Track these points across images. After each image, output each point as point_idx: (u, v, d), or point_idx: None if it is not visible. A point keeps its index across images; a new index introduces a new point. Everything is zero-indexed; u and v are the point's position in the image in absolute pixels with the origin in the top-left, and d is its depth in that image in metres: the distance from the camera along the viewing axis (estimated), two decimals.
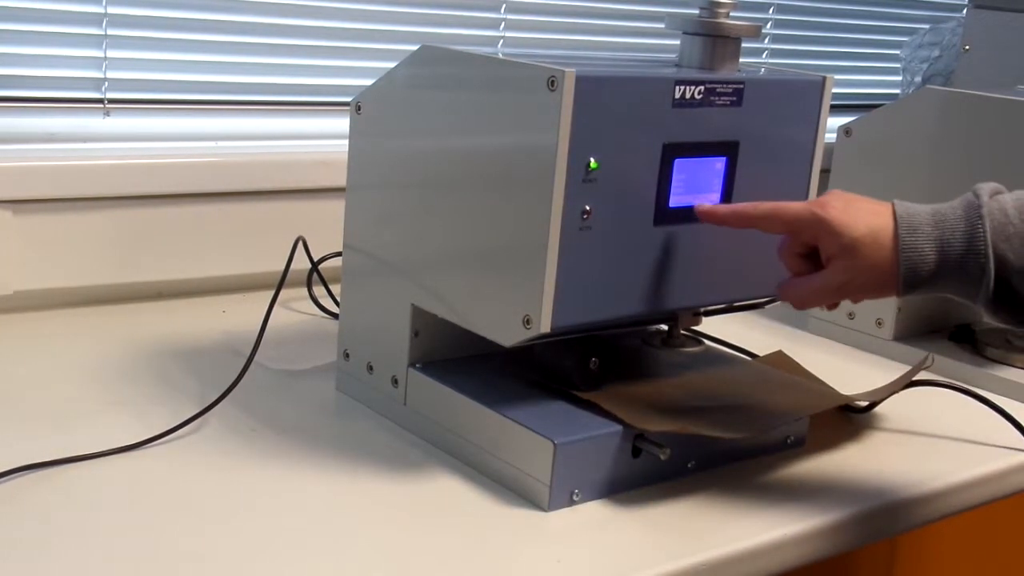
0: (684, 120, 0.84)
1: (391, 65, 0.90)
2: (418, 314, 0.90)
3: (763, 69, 0.94)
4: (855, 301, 0.84)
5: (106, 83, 1.21)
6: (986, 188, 0.80)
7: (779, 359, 1.02)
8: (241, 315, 1.17)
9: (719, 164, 0.87)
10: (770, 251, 0.86)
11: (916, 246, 0.78)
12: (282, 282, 1.06)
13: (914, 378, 1.02)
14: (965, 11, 1.69)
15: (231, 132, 1.30)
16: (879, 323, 1.21)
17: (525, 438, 0.81)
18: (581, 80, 0.76)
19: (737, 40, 0.88)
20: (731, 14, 0.87)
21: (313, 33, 1.33)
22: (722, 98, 0.85)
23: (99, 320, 1.14)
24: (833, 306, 0.87)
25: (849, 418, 1.01)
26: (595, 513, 0.81)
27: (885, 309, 1.20)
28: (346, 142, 0.94)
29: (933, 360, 1.09)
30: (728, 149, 0.87)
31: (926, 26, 1.88)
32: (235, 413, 0.92)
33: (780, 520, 0.81)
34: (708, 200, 0.87)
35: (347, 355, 0.97)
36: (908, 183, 1.18)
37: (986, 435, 0.99)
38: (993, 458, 0.96)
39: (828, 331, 1.25)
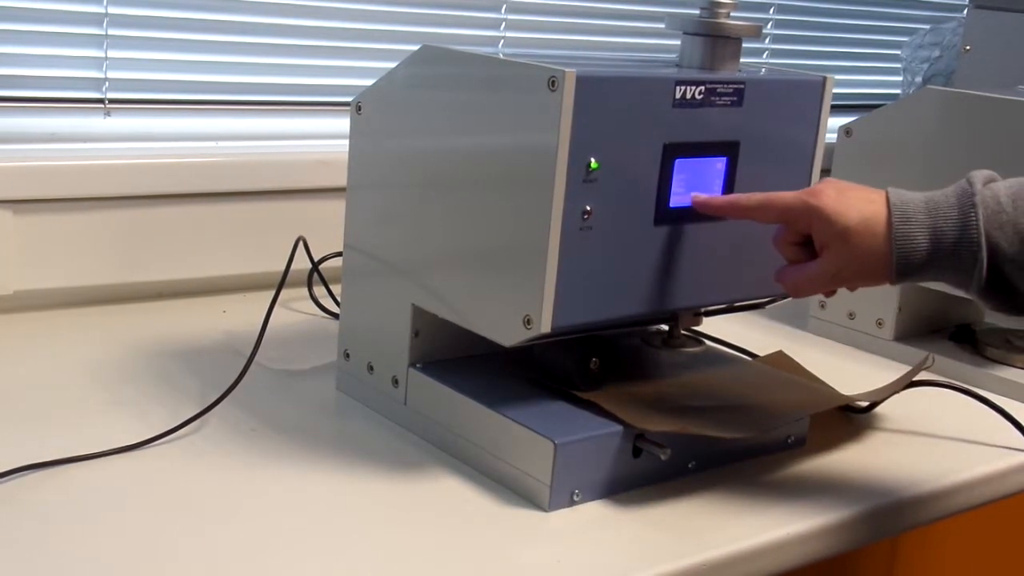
0: (685, 120, 0.84)
1: (391, 65, 0.90)
2: (418, 314, 0.90)
3: (763, 69, 0.94)
4: (851, 289, 0.84)
5: (107, 83, 1.21)
6: (979, 176, 0.80)
7: (779, 359, 1.02)
8: (241, 315, 1.17)
9: (720, 164, 0.87)
10: (770, 252, 0.86)
11: (909, 234, 0.78)
12: (283, 282, 1.06)
13: (915, 378, 1.02)
14: (966, 11, 1.69)
15: (232, 132, 1.29)
16: (880, 323, 1.21)
17: (525, 438, 0.81)
18: (582, 80, 0.76)
19: (738, 40, 0.88)
20: (731, 14, 0.87)
21: (314, 33, 1.33)
22: (722, 98, 0.85)
23: (100, 320, 1.14)
24: (830, 293, 0.87)
25: (850, 418, 1.01)
26: (595, 513, 0.81)
27: (886, 309, 1.20)
28: (346, 142, 0.94)
29: (933, 360, 1.09)
30: (729, 149, 0.87)
31: (927, 26, 1.88)
32: (235, 413, 0.92)
33: (781, 520, 0.81)
34: None
35: (347, 355, 0.97)
36: (908, 183, 1.17)
37: (986, 435, 0.99)
38: (993, 458, 0.96)
39: (828, 331, 1.25)
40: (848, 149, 1.22)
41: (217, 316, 1.17)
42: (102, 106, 1.21)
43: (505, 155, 0.80)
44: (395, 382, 0.92)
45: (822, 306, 1.26)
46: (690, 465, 0.87)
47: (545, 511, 0.80)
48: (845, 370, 1.14)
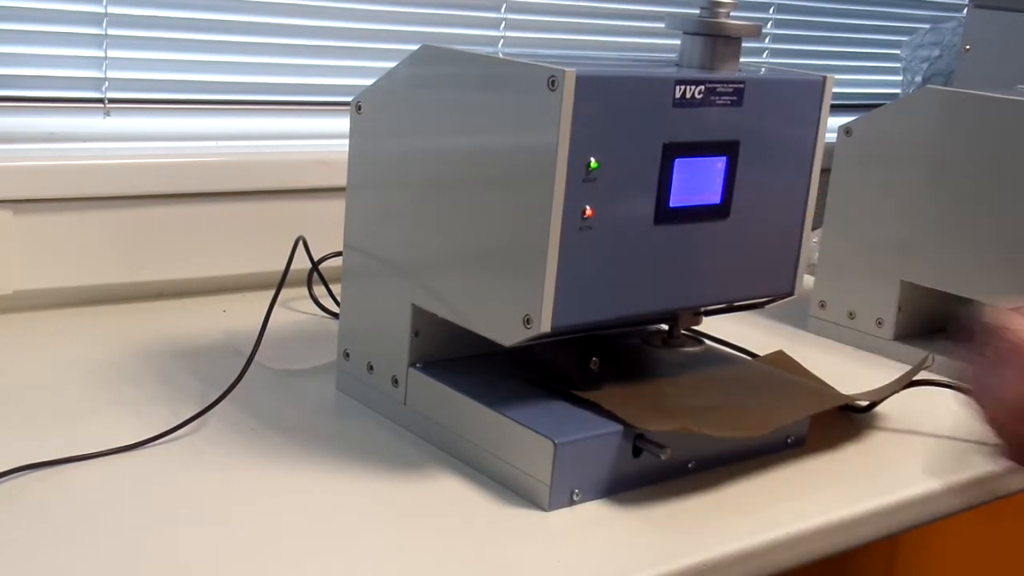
0: (685, 120, 0.84)
1: (391, 65, 0.90)
2: (418, 314, 0.90)
3: (763, 69, 0.94)
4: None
5: (106, 83, 1.21)
6: None
7: (779, 359, 1.02)
8: (241, 315, 1.17)
9: (720, 164, 0.87)
10: (770, 251, 0.86)
11: None
12: (282, 282, 1.06)
13: (914, 378, 1.02)
14: (965, 11, 1.69)
15: (231, 132, 1.29)
16: (879, 323, 1.21)
17: (525, 438, 0.81)
18: (581, 80, 0.76)
19: (738, 40, 0.88)
20: (731, 14, 0.87)
21: (314, 33, 1.33)
22: (722, 98, 0.85)
23: (99, 320, 1.14)
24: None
25: (850, 418, 1.01)
26: (595, 513, 0.81)
27: (886, 309, 1.20)
28: (346, 142, 0.94)
29: (934, 360, 1.09)
30: (729, 149, 0.87)
31: (926, 26, 1.88)
32: (235, 413, 0.92)
33: (780, 520, 0.81)
34: (708, 199, 0.87)
35: (347, 355, 0.97)
36: (908, 183, 1.18)
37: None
38: (994, 458, 0.96)
39: (828, 331, 1.25)
40: (848, 149, 1.22)
41: (217, 316, 1.17)
42: (102, 106, 1.21)
43: (505, 155, 0.80)
44: (395, 382, 0.92)
45: (822, 306, 1.26)
46: (690, 465, 0.87)
47: (545, 511, 0.80)
48: (845, 370, 1.14)
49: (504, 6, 1.46)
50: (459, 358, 0.92)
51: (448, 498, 0.81)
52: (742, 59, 0.89)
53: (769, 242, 0.93)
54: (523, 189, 0.79)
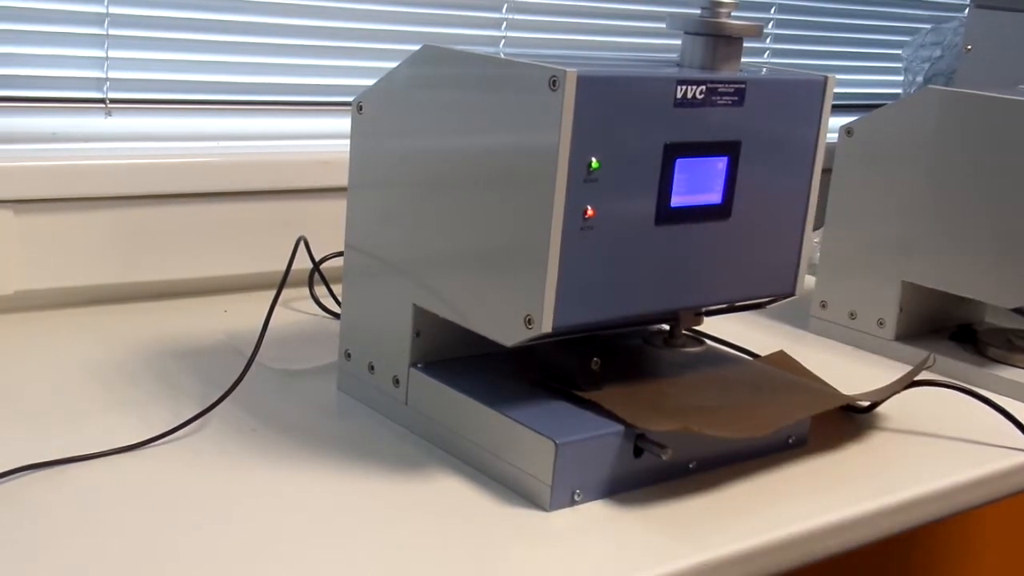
0: (686, 120, 0.84)
1: (392, 65, 0.90)
2: (419, 314, 0.90)
3: (765, 69, 0.94)
4: None
5: (108, 83, 1.21)
6: None
7: (781, 359, 1.02)
8: (243, 315, 1.17)
9: (721, 164, 0.87)
10: (771, 251, 0.86)
11: None
12: (283, 282, 1.06)
13: (916, 378, 1.02)
14: (967, 11, 1.69)
15: (233, 132, 1.30)
16: (881, 323, 1.21)
17: (526, 438, 0.81)
18: (583, 80, 0.76)
19: (739, 40, 0.88)
20: (732, 14, 0.87)
21: (315, 33, 1.33)
22: (724, 98, 0.85)
23: (101, 320, 1.14)
24: None
25: (851, 418, 1.01)
26: (597, 513, 0.81)
27: (887, 309, 1.20)
28: (347, 142, 0.94)
29: (935, 360, 1.09)
30: (730, 149, 0.87)
31: (928, 26, 1.88)
32: (236, 413, 0.92)
33: (782, 520, 0.81)
34: (709, 199, 0.87)
35: (348, 355, 0.97)
36: (910, 183, 1.18)
37: (988, 435, 0.99)
38: (994, 458, 0.96)
39: (829, 331, 1.25)
40: (849, 149, 1.22)
41: (218, 316, 1.17)
42: (103, 106, 1.21)
43: (506, 155, 0.80)
44: (396, 382, 0.92)
45: (823, 306, 1.26)
46: (691, 465, 0.87)
47: (546, 511, 0.80)
48: (846, 370, 1.14)
49: (505, 6, 1.46)
50: (460, 358, 0.92)
51: (449, 498, 0.81)
52: (743, 59, 0.89)
53: (770, 242, 0.93)
54: (524, 189, 0.79)
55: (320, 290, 1.22)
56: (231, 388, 0.93)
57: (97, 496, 0.77)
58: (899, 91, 1.97)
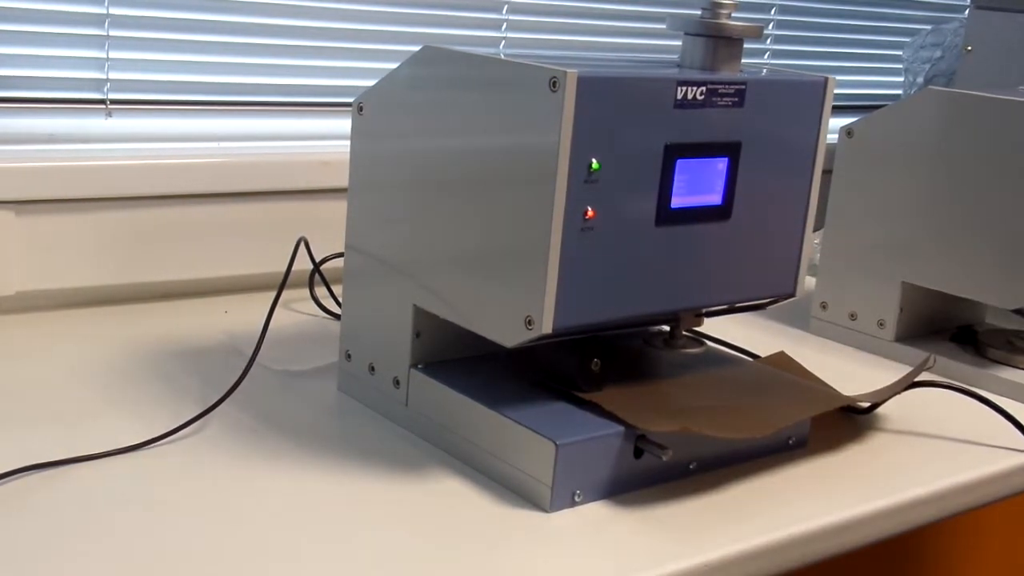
0: (686, 121, 0.84)
1: (393, 66, 0.90)
2: (420, 315, 0.90)
3: (765, 70, 0.94)
4: None
5: (108, 84, 1.21)
6: None
7: (781, 360, 1.02)
8: (243, 316, 1.17)
9: (721, 165, 0.87)
10: (772, 252, 0.86)
11: None
12: (284, 283, 1.06)
13: (916, 379, 1.02)
14: (967, 12, 1.69)
15: (233, 133, 1.30)
16: (881, 324, 1.21)
17: (527, 439, 0.81)
18: (583, 81, 0.76)
19: (739, 41, 0.88)
20: (733, 15, 0.87)
21: (315, 34, 1.33)
22: (724, 99, 0.85)
23: (101, 321, 1.14)
24: None
25: (851, 419, 1.01)
26: (597, 514, 0.81)
27: (887, 310, 1.20)
28: (348, 143, 0.94)
29: (935, 361, 1.09)
30: (730, 150, 0.87)
31: (928, 27, 1.88)
32: (237, 414, 0.92)
33: (782, 521, 0.81)
34: (709, 200, 0.87)
35: (349, 356, 0.97)
36: (910, 184, 1.18)
37: (988, 436, 0.99)
38: (995, 459, 0.96)
39: (830, 332, 1.25)
40: (849, 150, 1.22)
41: (219, 317, 1.17)
42: (104, 107, 1.21)
43: (506, 156, 0.80)
44: (396, 383, 0.92)
45: (823, 307, 1.26)
46: (691, 466, 0.87)
47: (546, 512, 0.80)
48: (846, 371, 1.14)
49: (505, 7, 1.46)
50: (460, 359, 0.92)
51: (449, 499, 0.81)
52: (743, 60, 0.89)
53: (770, 243, 0.93)
54: (524, 190, 0.79)
55: (320, 291, 1.22)
56: (231, 389, 0.93)
57: (98, 497, 0.78)
58: (899, 92, 1.97)
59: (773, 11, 1.81)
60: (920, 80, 1.83)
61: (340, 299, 0.99)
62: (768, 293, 0.95)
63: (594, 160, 0.79)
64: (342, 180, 0.97)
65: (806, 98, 0.92)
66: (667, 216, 0.84)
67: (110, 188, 1.15)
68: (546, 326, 0.79)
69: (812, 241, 0.96)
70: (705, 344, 1.00)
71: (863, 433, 0.99)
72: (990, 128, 1.12)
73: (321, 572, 0.71)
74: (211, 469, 0.83)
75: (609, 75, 0.79)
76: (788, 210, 0.93)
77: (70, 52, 1.19)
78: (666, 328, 0.99)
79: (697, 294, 0.89)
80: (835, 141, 1.21)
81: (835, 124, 1.04)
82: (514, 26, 1.48)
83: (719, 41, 0.87)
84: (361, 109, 0.93)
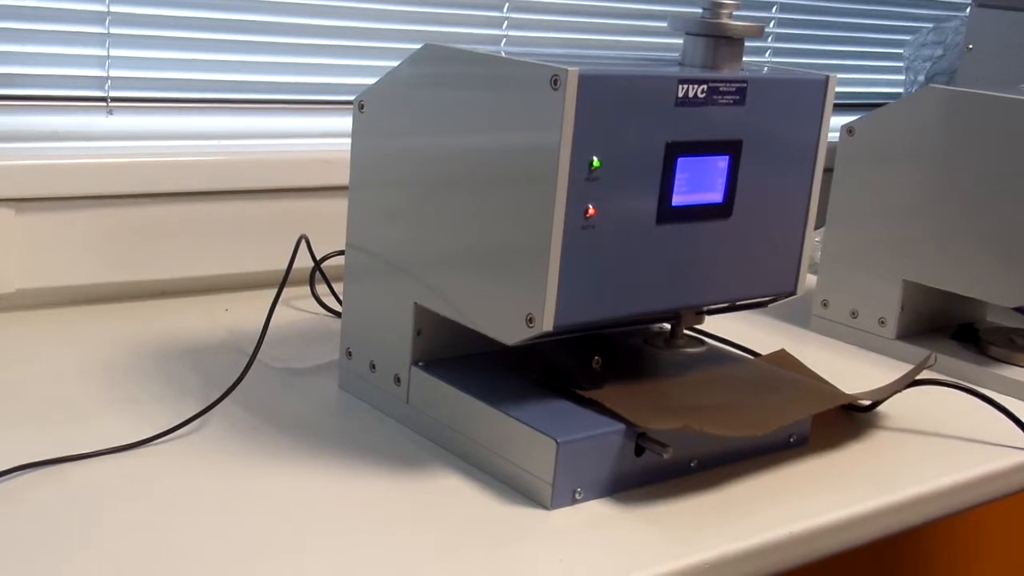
0: (687, 119, 0.84)
1: (394, 64, 0.90)
2: (421, 313, 0.90)
3: (766, 68, 0.94)
4: None
5: (109, 81, 1.21)
6: None
7: (782, 358, 1.02)
8: (244, 313, 1.17)
9: (722, 163, 0.87)
10: (773, 250, 0.86)
11: None
12: (285, 280, 1.06)
13: (917, 377, 1.02)
14: (968, 10, 1.69)
15: (234, 131, 1.30)
16: (882, 322, 1.21)
17: (528, 436, 0.81)
18: (584, 79, 0.76)
19: (740, 40, 0.88)
20: (734, 14, 0.87)
21: (316, 32, 1.33)
22: (725, 97, 0.85)
23: (102, 318, 1.14)
24: None
25: (852, 417, 1.01)
26: (597, 512, 0.81)
27: (888, 308, 1.20)
28: (349, 141, 0.94)
29: (936, 359, 1.09)
30: (731, 148, 0.87)
31: (929, 25, 1.88)
32: (238, 411, 0.92)
33: (783, 519, 0.81)
34: (710, 198, 0.87)
35: (349, 353, 0.97)
36: (911, 182, 1.18)
37: (989, 434, 0.99)
38: (996, 457, 0.96)
39: (831, 330, 1.25)
40: (850, 148, 1.22)
41: (219, 314, 1.17)
42: (105, 104, 1.21)
43: (507, 153, 0.80)
44: (397, 380, 0.92)
45: (824, 305, 1.26)
46: (692, 464, 0.87)
47: (547, 509, 0.80)
48: (847, 369, 1.14)
49: (507, 5, 1.46)
50: (461, 357, 0.92)
51: (450, 497, 0.81)
52: (744, 58, 0.89)
53: (771, 241, 0.93)
54: (526, 188, 0.79)
55: (321, 289, 1.22)
56: (232, 386, 0.93)
57: (98, 494, 0.78)
58: (900, 90, 1.97)
59: (774, 9, 1.81)
60: (921, 78, 1.83)
61: (341, 297, 0.99)
62: (769, 291, 0.95)
63: (595, 158, 0.79)
64: (343, 178, 0.97)
65: (807, 96, 0.92)
66: (668, 214, 0.84)
67: (111, 186, 1.16)
68: (547, 324, 0.79)
69: (813, 239, 0.96)
70: (706, 344, 1.00)
71: (864, 431, 0.99)
72: (991, 126, 1.12)
73: (322, 569, 0.71)
74: (212, 467, 0.83)
75: (610, 73, 0.79)
76: (789, 208, 0.93)
77: (71, 50, 1.19)
78: (667, 327, 0.99)
79: (698, 292, 0.89)
80: (836, 139, 1.21)
81: (836, 122, 1.04)
82: (515, 24, 1.48)
83: (720, 41, 0.87)
84: (362, 107, 0.93)
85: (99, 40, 1.20)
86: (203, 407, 0.90)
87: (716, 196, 0.88)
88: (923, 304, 1.21)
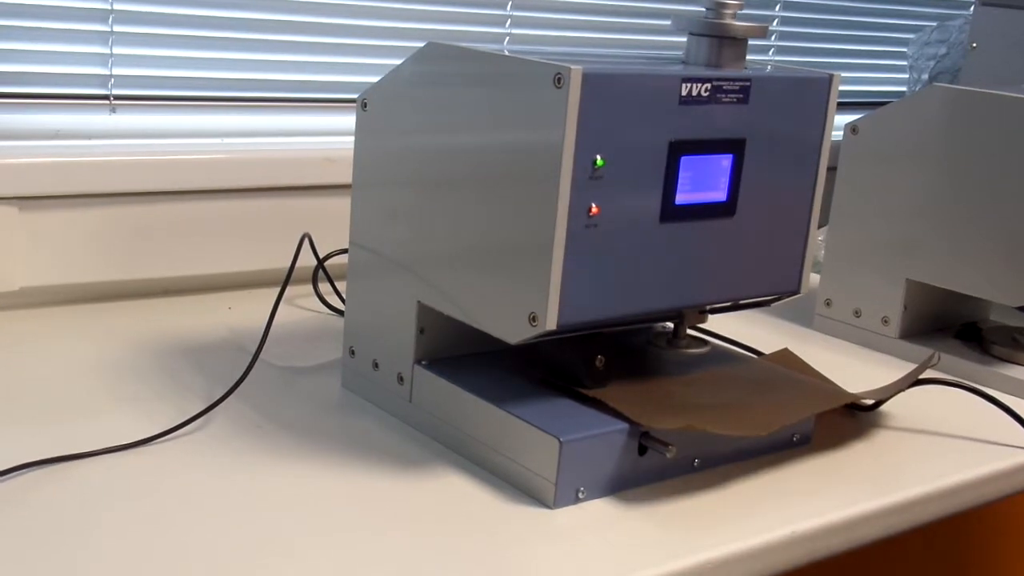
0: (691, 117, 0.83)
1: (397, 62, 0.90)
2: (424, 311, 0.90)
3: (770, 66, 0.94)
4: None
5: (112, 79, 1.21)
6: None
7: (785, 357, 1.02)
8: (247, 312, 1.17)
9: (725, 162, 0.87)
10: (776, 249, 0.85)
11: None
12: (288, 279, 1.06)
13: (920, 376, 1.02)
14: (972, 8, 1.69)
15: (237, 129, 1.30)
16: (885, 321, 1.21)
17: (531, 435, 0.81)
18: (588, 77, 0.76)
19: (744, 40, 0.88)
20: (737, 14, 0.87)
21: (320, 30, 1.33)
22: (729, 95, 0.85)
23: (105, 316, 1.14)
24: None
25: (855, 416, 1.01)
26: (600, 511, 0.81)
27: (891, 307, 1.20)
28: (352, 139, 0.94)
29: (939, 358, 1.09)
30: (735, 146, 0.87)
31: (933, 23, 1.88)
32: (241, 410, 0.92)
33: (786, 518, 0.81)
34: (714, 197, 0.87)
35: (353, 352, 0.97)
36: (914, 181, 1.17)
37: (992, 433, 0.99)
38: (999, 456, 0.96)
39: (834, 329, 1.25)
40: (854, 147, 1.22)
41: (222, 313, 1.18)
42: (107, 102, 1.21)
43: (511, 152, 0.80)
44: (400, 379, 0.92)
45: (827, 304, 1.25)
46: (695, 463, 0.87)
47: (550, 508, 0.80)
48: (851, 368, 1.14)
49: (510, 3, 1.46)
50: (464, 355, 0.92)
51: (453, 495, 0.81)
52: (748, 56, 0.89)
53: (775, 240, 0.92)
54: (529, 186, 0.79)
55: (324, 287, 1.22)
56: (235, 385, 0.93)
57: (101, 492, 0.78)
58: (904, 89, 1.97)
59: (778, 7, 1.81)
60: (925, 77, 1.82)
61: (344, 295, 0.99)
62: (772, 290, 0.94)
63: (599, 156, 0.78)
64: (346, 176, 0.97)
65: (811, 95, 0.92)
66: (671, 213, 0.84)
67: (114, 184, 1.16)
68: (550, 323, 0.79)
69: (816, 238, 0.96)
70: (709, 343, 1.00)
71: (867, 430, 0.99)
72: (995, 125, 1.11)
73: (325, 568, 0.71)
74: (214, 465, 0.83)
75: (614, 71, 0.79)
76: (792, 207, 0.93)
77: (74, 48, 1.19)
78: (670, 326, 0.99)
79: (701, 291, 0.89)
80: (840, 138, 1.21)
81: (840, 121, 1.04)
82: (518, 22, 1.48)
83: (724, 41, 0.87)
84: (365, 105, 0.93)
85: (102, 38, 1.20)
86: (206, 405, 0.90)
87: (720, 195, 0.87)
88: (926, 303, 1.21)
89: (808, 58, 1.87)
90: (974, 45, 1.63)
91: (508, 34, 1.48)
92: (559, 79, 0.76)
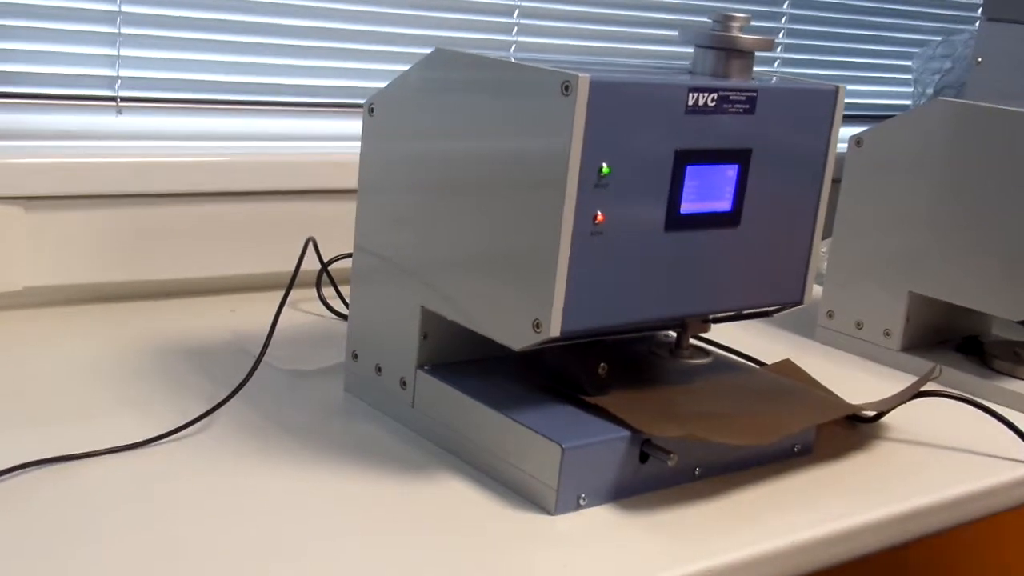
0: (697, 127, 0.84)
1: (404, 68, 0.90)
2: (427, 316, 0.90)
3: (775, 77, 0.94)
4: None
5: (119, 81, 1.21)
6: None
7: (787, 368, 1.02)
8: (250, 315, 1.17)
9: (731, 171, 0.87)
10: (780, 260, 0.86)
11: None
12: (292, 282, 1.06)
13: (921, 389, 1.02)
14: (978, 23, 1.69)
15: (243, 132, 1.30)
16: (887, 333, 1.21)
17: (533, 442, 0.81)
18: (595, 85, 0.76)
19: (751, 53, 0.88)
20: (744, 27, 0.87)
21: (327, 35, 1.33)
22: (735, 106, 0.85)
23: (108, 318, 1.14)
24: None
25: (856, 428, 1.01)
26: (601, 518, 0.81)
27: (893, 319, 1.20)
28: (358, 144, 0.94)
29: (941, 371, 1.09)
30: (740, 156, 0.88)
31: (938, 38, 1.88)
32: (243, 412, 0.92)
33: (786, 527, 0.81)
34: (719, 206, 0.87)
35: (356, 356, 0.97)
36: (919, 194, 1.18)
37: (993, 446, 0.99)
38: (999, 470, 0.96)
39: (836, 340, 1.25)
40: (859, 159, 1.22)
41: (226, 315, 1.18)
42: (114, 104, 1.21)
43: (517, 159, 0.80)
44: (403, 384, 0.92)
45: (830, 315, 1.26)
46: (696, 471, 0.87)
47: (551, 515, 0.80)
48: (852, 379, 1.14)
49: (517, 11, 1.46)
50: (468, 361, 0.92)
51: (454, 501, 0.81)
52: (754, 68, 0.90)
53: (779, 250, 0.93)
54: (535, 193, 0.79)
55: (328, 291, 1.22)
56: (238, 387, 0.93)
57: (103, 493, 0.78)
58: (909, 103, 1.97)
59: (784, 20, 1.81)
60: (930, 91, 1.83)
61: (347, 300, 0.99)
62: (775, 300, 0.95)
63: (604, 164, 0.79)
64: (352, 181, 0.97)
65: (817, 107, 0.92)
66: (676, 222, 0.85)
67: (119, 185, 1.16)
68: (554, 329, 0.79)
69: (820, 249, 0.96)
70: (711, 353, 1.00)
71: (868, 442, 0.99)
72: (999, 140, 1.12)
73: (325, 571, 0.71)
74: (216, 467, 0.83)
75: (621, 80, 0.79)
76: (797, 218, 0.93)
77: (81, 49, 1.19)
78: (673, 336, 0.99)
79: (704, 300, 0.90)
80: (844, 150, 1.22)
81: (844, 133, 1.04)
82: (525, 30, 1.48)
83: (731, 53, 0.87)
84: (372, 110, 0.93)
85: (109, 39, 1.20)
86: (208, 407, 0.90)
87: (725, 204, 0.88)
88: (928, 316, 1.21)
89: (813, 71, 1.87)
90: (979, 60, 1.63)
91: (515, 41, 1.48)
92: (567, 87, 0.76)
